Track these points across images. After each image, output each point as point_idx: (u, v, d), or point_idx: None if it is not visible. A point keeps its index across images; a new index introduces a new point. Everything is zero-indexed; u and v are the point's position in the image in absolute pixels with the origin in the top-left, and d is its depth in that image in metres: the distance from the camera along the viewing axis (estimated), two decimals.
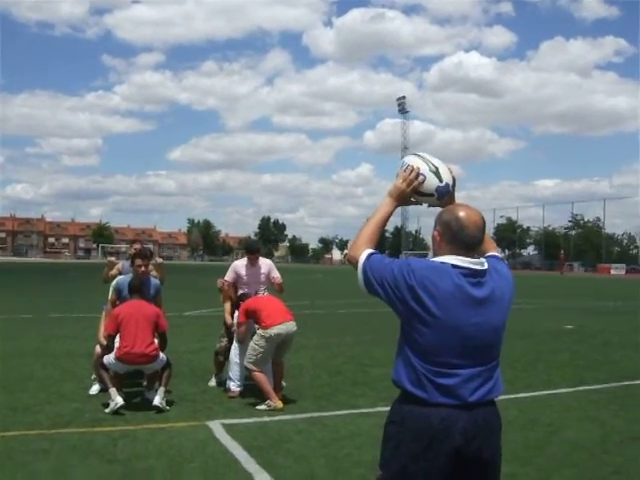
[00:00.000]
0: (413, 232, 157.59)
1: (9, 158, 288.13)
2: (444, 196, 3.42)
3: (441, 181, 3.39)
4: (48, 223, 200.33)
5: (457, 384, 3.11)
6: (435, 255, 3.28)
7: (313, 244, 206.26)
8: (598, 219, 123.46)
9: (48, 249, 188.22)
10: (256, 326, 8.87)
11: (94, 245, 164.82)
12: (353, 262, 3.32)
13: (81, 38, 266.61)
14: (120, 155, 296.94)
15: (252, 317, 8.87)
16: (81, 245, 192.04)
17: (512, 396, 8.93)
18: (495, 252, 3.50)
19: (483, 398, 3.17)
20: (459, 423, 3.09)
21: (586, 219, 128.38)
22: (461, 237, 3.18)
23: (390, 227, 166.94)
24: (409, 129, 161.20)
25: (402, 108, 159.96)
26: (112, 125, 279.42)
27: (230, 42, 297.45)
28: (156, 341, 8.44)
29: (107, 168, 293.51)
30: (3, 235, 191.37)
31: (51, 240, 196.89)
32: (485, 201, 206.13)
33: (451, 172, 3.45)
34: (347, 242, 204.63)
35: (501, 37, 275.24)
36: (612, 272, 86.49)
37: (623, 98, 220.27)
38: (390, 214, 3.43)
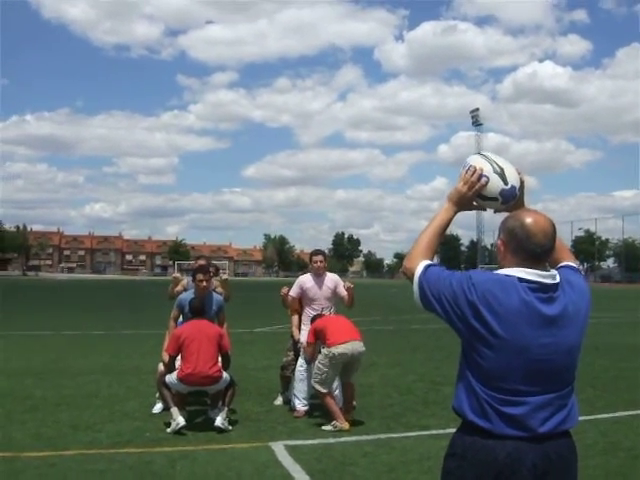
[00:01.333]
0: (489, 246, 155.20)
1: (88, 178, 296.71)
2: (509, 200, 3.06)
3: (506, 183, 3.02)
4: (125, 241, 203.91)
5: (525, 413, 2.73)
6: (500, 267, 2.91)
7: (388, 259, 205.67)
8: None
9: (126, 266, 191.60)
10: (322, 345, 8.57)
11: (170, 262, 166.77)
12: (408, 275, 2.97)
13: (156, 59, 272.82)
14: (196, 173, 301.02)
15: (319, 337, 8.55)
16: (158, 262, 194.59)
17: (591, 417, 8.44)
18: (570, 261, 3.10)
19: (555, 429, 2.77)
20: (528, 458, 2.71)
21: None
22: (528, 246, 2.80)
23: (466, 241, 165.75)
24: (483, 141, 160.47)
25: (476, 120, 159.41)
26: (188, 144, 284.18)
27: (302, 59, 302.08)
28: (219, 361, 8.20)
29: (183, 186, 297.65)
30: (82, 253, 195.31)
31: (128, 257, 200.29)
32: (562, 213, 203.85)
33: (519, 174, 3.10)
34: None
35: (576, 46, 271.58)
36: None
37: None
38: (450, 220, 3.09)
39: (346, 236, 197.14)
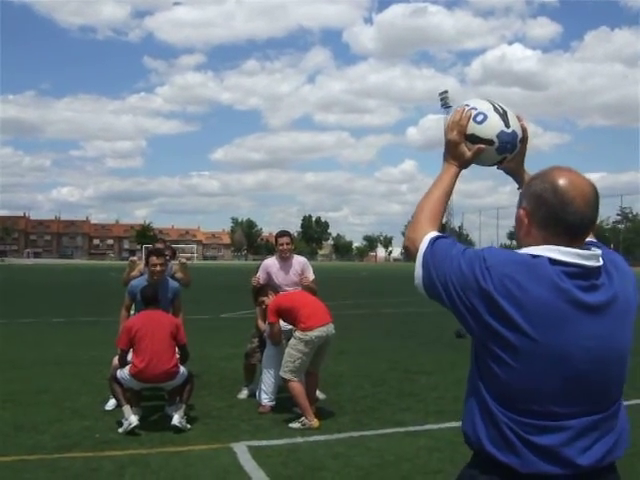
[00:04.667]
0: (457, 229, 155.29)
1: (54, 161, 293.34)
2: (507, 148, 2.40)
3: (507, 126, 2.38)
4: (93, 225, 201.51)
5: (562, 443, 2.02)
6: (520, 245, 2.20)
7: (357, 242, 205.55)
8: None
9: (93, 251, 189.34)
10: (289, 327, 7.90)
11: (138, 246, 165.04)
12: (411, 249, 2.26)
13: (123, 41, 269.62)
14: (163, 156, 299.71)
15: (286, 317, 7.84)
16: (125, 246, 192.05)
17: None
18: (592, 237, 2.36)
19: (602, 461, 2.07)
20: None
21: (635, 212, 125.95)
22: (563, 217, 2.09)
23: None
24: None
25: (445, 103, 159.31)
26: (155, 127, 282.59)
27: (271, 41, 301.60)
28: (177, 354, 7.49)
29: (151, 170, 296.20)
30: (49, 238, 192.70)
31: (96, 242, 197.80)
32: None
33: (522, 125, 2.46)
34: (391, 240, 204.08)
35: (545, 28, 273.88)
36: None
37: None
38: (452, 181, 2.38)
39: (314, 219, 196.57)
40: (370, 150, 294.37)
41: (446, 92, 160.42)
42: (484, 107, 2.41)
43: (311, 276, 8.70)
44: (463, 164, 2.41)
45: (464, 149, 2.38)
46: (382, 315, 21.31)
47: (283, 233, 8.79)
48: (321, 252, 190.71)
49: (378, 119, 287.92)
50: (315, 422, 7.35)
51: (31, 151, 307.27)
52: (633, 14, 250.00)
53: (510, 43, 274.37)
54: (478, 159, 2.42)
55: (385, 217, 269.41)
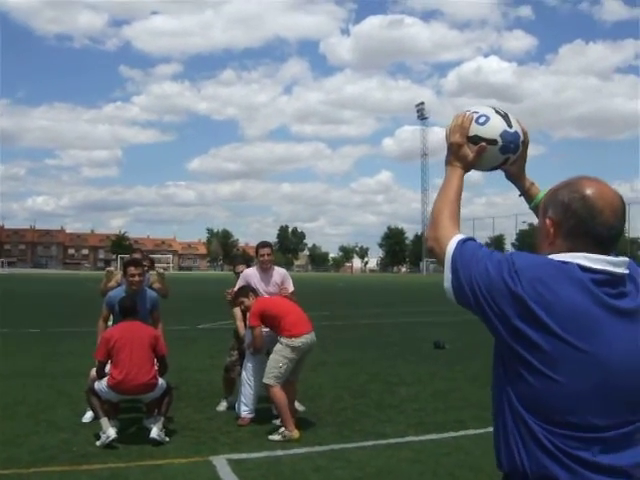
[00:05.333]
0: None
1: (30, 170, 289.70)
2: (510, 148, 2.40)
3: (510, 126, 2.40)
4: (68, 234, 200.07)
5: (605, 452, 1.95)
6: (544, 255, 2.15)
7: (333, 253, 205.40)
8: None
9: (68, 261, 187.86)
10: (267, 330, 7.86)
11: (114, 256, 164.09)
12: (437, 250, 2.20)
13: (100, 50, 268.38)
14: (140, 166, 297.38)
15: (269, 322, 7.77)
16: (101, 256, 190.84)
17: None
18: None
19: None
20: None
21: None
22: (591, 229, 2.05)
23: (410, 235, 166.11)
24: (428, 135, 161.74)
25: (421, 114, 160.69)
26: (131, 136, 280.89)
27: (248, 51, 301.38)
28: (155, 366, 7.40)
29: (127, 179, 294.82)
30: (23, 247, 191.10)
31: (71, 252, 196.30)
32: (506, 207, 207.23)
33: (523, 128, 2.47)
34: (367, 250, 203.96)
35: (521, 41, 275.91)
36: None
37: None
38: (459, 182, 2.35)
39: (290, 229, 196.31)
40: (346, 161, 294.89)
41: (422, 104, 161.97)
42: (486, 110, 2.43)
43: (291, 288, 8.65)
44: (467, 166, 2.38)
45: (467, 151, 2.37)
46: (360, 326, 21.20)
47: (264, 244, 8.72)
48: (297, 262, 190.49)
49: (354, 130, 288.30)
50: (295, 433, 7.28)
51: (6, 160, 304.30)
52: (607, 28, 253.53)
53: (486, 55, 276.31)
54: (481, 162, 2.40)
55: (361, 228, 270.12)
